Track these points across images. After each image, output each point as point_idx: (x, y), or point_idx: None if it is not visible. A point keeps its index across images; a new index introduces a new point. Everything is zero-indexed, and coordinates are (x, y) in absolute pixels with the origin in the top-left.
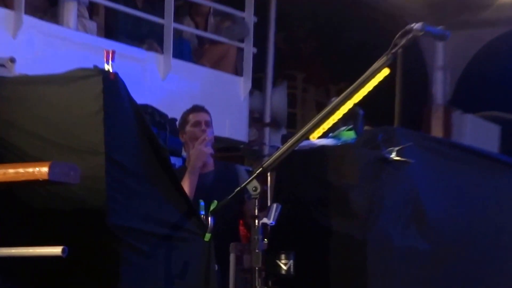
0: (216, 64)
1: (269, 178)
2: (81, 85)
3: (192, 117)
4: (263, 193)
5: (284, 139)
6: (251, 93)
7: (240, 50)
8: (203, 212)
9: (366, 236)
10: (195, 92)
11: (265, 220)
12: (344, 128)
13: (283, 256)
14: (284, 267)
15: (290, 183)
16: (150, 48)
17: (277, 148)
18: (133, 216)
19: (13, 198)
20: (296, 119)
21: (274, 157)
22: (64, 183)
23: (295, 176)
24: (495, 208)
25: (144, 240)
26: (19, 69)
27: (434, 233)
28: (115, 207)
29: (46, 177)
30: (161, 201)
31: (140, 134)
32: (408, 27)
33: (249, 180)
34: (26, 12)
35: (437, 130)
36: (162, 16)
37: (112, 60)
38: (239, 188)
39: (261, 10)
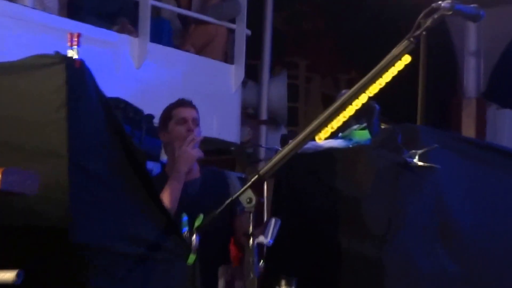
0: (202, 49)
1: (266, 187)
2: (40, 75)
3: (177, 113)
4: (259, 205)
5: (284, 140)
6: (244, 84)
7: (231, 32)
8: (186, 229)
9: (383, 256)
10: (177, 83)
11: (261, 238)
12: (356, 126)
13: (283, 282)
14: None
15: (291, 194)
16: (122, 30)
17: (276, 151)
18: (102, 233)
19: None
20: (298, 115)
21: (272, 162)
22: (19, 194)
23: (298, 185)
24: None
25: (116, 262)
26: None
27: (465, 252)
28: (80, 222)
29: None
30: (135, 215)
31: (110, 134)
32: (434, 4)
33: (242, 190)
34: None
35: (468, 129)
36: None
37: (77, 45)
38: (229, 199)
39: None
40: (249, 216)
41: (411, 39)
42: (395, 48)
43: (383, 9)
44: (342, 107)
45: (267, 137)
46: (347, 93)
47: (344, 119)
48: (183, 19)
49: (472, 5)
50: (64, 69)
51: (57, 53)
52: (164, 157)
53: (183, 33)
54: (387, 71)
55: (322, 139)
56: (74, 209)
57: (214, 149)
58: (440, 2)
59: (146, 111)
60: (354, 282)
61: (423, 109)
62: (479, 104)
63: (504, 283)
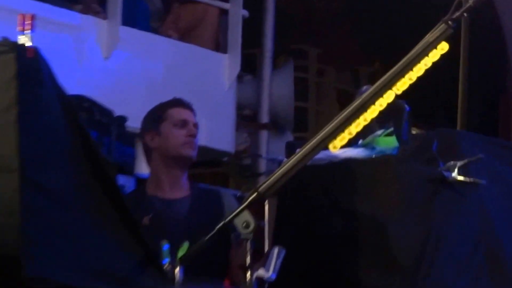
0: (188, 35)
1: (267, 208)
2: None
3: (174, 114)
4: (259, 231)
5: (290, 149)
6: (240, 78)
7: (224, 14)
8: (167, 260)
9: None
10: (156, 77)
11: (261, 272)
12: (381, 132)
13: None
14: None
15: (299, 216)
16: (86, 10)
17: (280, 163)
18: (62, 266)
19: None
20: (307, 118)
21: (274, 176)
22: None
23: (307, 206)
24: None
25: None
26: None
27: None
28: (35, 253)
29: None
30: (104, 244)
31: (72, 142)
32: None
33: (236, 211)
34: None
35: None
36: None
37: (30, 29)
38: (221, 223)
39: None
40: (246, 245)
41: (449, 22)
42: (429, 34)
43: None
44: (363, 108)
45: (269, 145)
46: (369, 90)
47: (366, 123)
48: None
49: None
50: (14, 59)
51: (5, 39)
52: (140, 170)
53: (163, 14)
54: (419, 62)
55: (337, 147)
56: (27, 236)
57: (202, 160)
58: None
59: (117, 112)
60: None
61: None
62: None
63: None
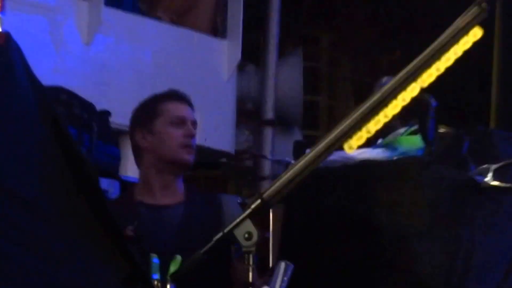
0: (181, 17)
1: (272, 217)
2: None
3: (170, 109)
4: (263, 243)
5: (299, 149)
6: (241, 68)
7: None
8: (157, 276)
9: None
10: (144, 66)
11: None
12: (403, 130)
13: None
14: None
15: (308, 226)
16: None
17: (287, 165)
18: (36, 283)
19: None
20: (319, 113)
21: (281, 181)
22: None
23: (318, 215)
24: None
25: None
26: None
27: None
28: (9, 271)
29: None
30: (83, 258)
31: (47, 140)
32: None
33: (237, 221)
34: None
35: None
36: None
37: (1, 11)
38: (219, 234)
39: None
40: (248, 259)
41: (483, 4)
42: (459, 18)
43: None
44: (383, 103)
45: (274, 144)
46: (389, 83)
47: (386, 120)
48: None
49: None
50: None
51: None
52: (125, 172)
53: None
54: (447, 51)
55: (354, 148)
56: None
57: (197, 161)
58: None
59: (99, 106)
60: None
61: (499, 106)
62: None
63: None
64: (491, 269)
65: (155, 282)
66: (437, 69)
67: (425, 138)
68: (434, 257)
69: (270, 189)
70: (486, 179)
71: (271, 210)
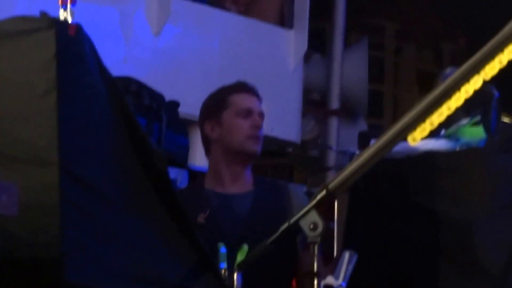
0: (249, 8)
1: (337, 208)
2: (19, 47)
3: (238, 101)
4: (328, 234)
5: (364, 140)
6: (307, 58)
7: None
8: (224, 264)
9: None
10: (212, 56)
11: (329, 280)
12: (466, 121)
13: None
14: None
15: (372, 217)
16: None
17: (352, 156)
18: (106, 271)
19: None
20: (384, 103)
21: (346, 172)
22: None
23: (382, 205)
24: None
25: None
26: None
27: None
28: (76, 256)
29: None
30: (152, 247)
31: (117, 130)
32: None
33: (303, 211)
34: None
35: None
36: None
37: (72, 3)
38: (285, 225)
39: None
40: (313, 249)
41: None
42: None
43: None
44: (446, 95)
45: (339, 134)
46: (453, 74)
47: (449, 112)
48: None
49: None
50: (54, 37)
51: (44, 14)
52: (194, 161)
53: None
54: (510, 43)
55: (417, 140)
56: (68, 238)
57: (264, 150)
58: None
59: (168, 96)
60: None
61: None
62: None
63: None
64: None
65: (223, 271)
66: (500, 62)
67: (487, 129)
68: (496, 245)
69: (335, 180)
70: None
71: (336, 201)
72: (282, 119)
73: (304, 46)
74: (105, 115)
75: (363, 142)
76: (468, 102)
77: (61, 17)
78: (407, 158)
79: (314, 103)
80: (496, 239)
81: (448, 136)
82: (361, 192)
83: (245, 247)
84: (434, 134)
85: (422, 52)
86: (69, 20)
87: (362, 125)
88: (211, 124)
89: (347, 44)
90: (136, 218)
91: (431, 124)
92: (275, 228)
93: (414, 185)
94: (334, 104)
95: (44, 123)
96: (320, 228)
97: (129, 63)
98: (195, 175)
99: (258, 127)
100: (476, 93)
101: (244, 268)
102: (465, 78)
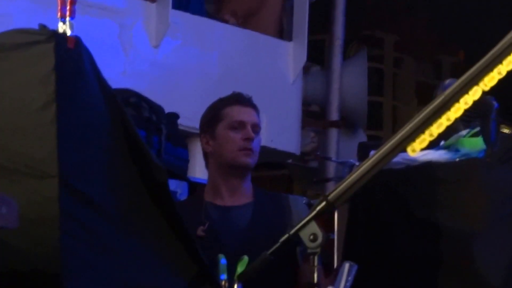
0: (248, 20)
1: (336, 219)
2: (17, 60)
3: (230, 113)
4: (328, 244)
5: (363, 151)
6: (306, 70)
7: None
8: (224, 276)
9: None
10: (211, 68)
11: None
12: (466, 132)
13: None
14: None
15: (372, 228)
16: None
17: (351, 167)
18: (104, 284)
19: None
20: (383, 114)
21: (345, 183)
22: None
23: (381, 216)
24: None
25: None
26: None
27: None
28: (75, 268)
29: None
30: (151, 260)
31: (116, 142)
32: None
33: (302, 222)
34: None
35: None
36: None
37: (71, 15)
38: (285, 236)
39: None
40: (313, 260)
41: None
42: None
43: None
44: (446, 106)
45: (339, 146)
46: (452, 85)
47: (449, 123)
48: None
49: None
50: (53, 50)
51: (43, 27)
52: (193, 174)
53: None
54: (509, 54)
55: (416, 151)
56: (67, 250)
57: (263, 161)
58: None
59: (168, 108)
60: None
61: None
62: None
63: None
64: None
65: (223, 283)
66: (499, 73)
67: (487, 140)
68: (494, 258)
69: (335, 191)
70: None
71: (336, 212)
72: (281, 130)
73: (303, 58)
74: (105, 128)
75: (363, 153)
76: (467, 112)
77: (60, 30)
78: (407, 169)
79: (313, 114)
80: (495, 250)
81: (447, 147)
82: (360, 203)
83: (245, 259)
84: (433, 145)
85: (421, 64)
86: (68, 33)
87: (362, 137)
88: (206, 138)
89: (346, 56)
90: (135, 231)
91: (431, 135)
92: (275, 239)
93: (413, 196)
94: (334, 115)
95: (43, 136)
96: (320, 239)
97: (128, 76)
98: (195, 187)
99: (250, 139)
100: (476, 103)
101: (244, 280)
102: (464, 89)
